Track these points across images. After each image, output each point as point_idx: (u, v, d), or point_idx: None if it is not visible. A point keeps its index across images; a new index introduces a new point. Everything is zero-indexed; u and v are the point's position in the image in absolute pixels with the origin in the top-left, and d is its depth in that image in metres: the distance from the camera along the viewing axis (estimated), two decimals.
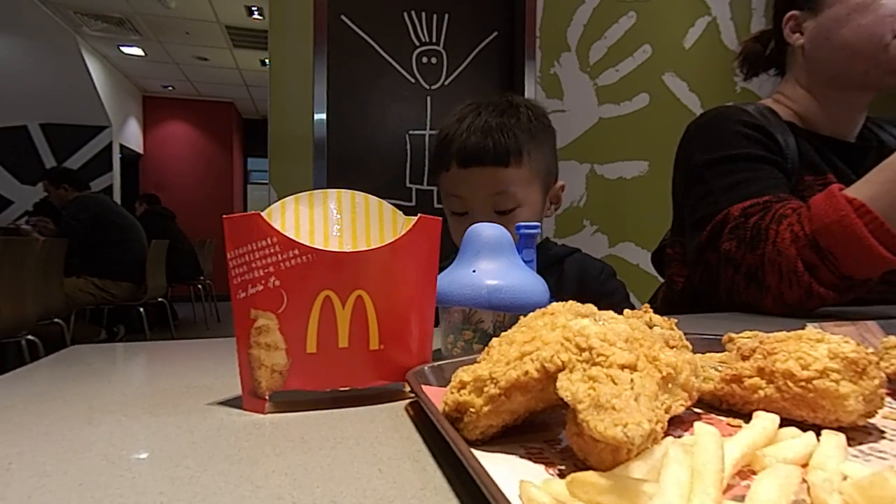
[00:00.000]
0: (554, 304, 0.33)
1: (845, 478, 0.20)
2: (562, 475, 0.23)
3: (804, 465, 0.23)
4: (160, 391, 0.40)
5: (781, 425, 0.26)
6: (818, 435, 0.25)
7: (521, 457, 0.26)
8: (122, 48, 5.80)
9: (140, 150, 7.15)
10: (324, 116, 2.24)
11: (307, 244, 0.35)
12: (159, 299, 4.02)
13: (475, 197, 0.83)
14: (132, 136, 6.82)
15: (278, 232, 0.35)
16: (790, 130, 0.94)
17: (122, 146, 6.26)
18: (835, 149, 0.96)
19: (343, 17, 2.33)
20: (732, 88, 2.64)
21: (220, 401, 0.37)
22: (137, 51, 5.90)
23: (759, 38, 1.07)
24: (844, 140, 0.98)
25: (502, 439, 0.28)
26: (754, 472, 0.23)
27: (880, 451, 0.27)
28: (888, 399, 0.33)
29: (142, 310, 3.70)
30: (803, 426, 0.27)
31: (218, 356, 0.53)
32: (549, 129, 0.89)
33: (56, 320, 2.82)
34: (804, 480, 0.21)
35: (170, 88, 7.24)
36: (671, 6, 2.57)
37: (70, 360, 0.52)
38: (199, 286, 5.26)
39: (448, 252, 0.55)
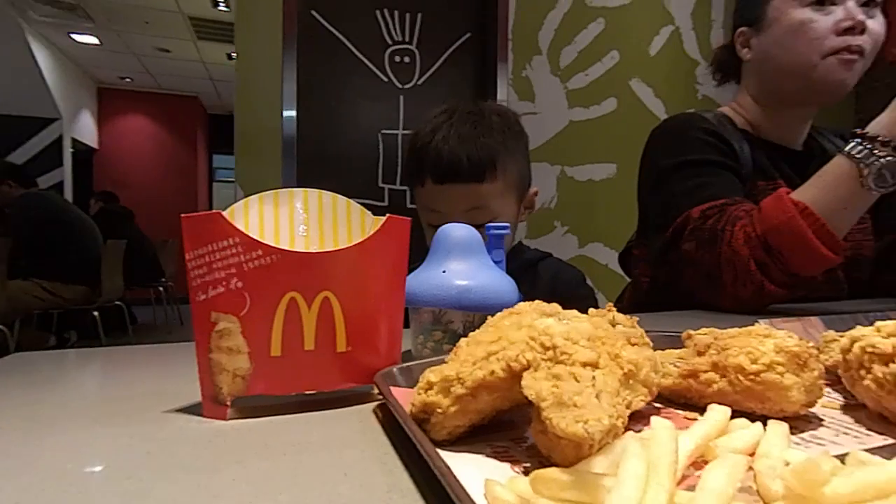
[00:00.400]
0: (520, 303, 0.33)
1: (788, 464, 0.22)
2: (527, 473, 0.24)
3: (752, 454, 0.24)
4: (113, 399, 0.38)
5: (733, 417, 0.27)
6: (765, 425, 0.26)
7: (488, 456, 0.26)
8: (73, 36, 5.51)
9: (95, 144, 6.84)
10: (293, 113, 2.20)
11: (272, 244, 0.35)
12: (116, 302, 3.85)
13: (452, 212, 0.83)
14: (86, 129, 6.52)
15: (241, 232, 0.34)
16: (744, 138, 0.99)
17: (74, 140, 5.97)
18: (783, 156, 1.01)
19: (313, 13, 2.29)
20: (694, 95, 2.73)
21: (179, 408, 0.36)
22: (91, 39, 5.62)
23: (725, 48, 1.12)
24: (792, 148, 1.03)
25: (469, 439, 0.28)
26: (707, 463, 0.24)
27: (819, 439, 0.28)
28: (827, 389, 0.36)
29: (96, 314, 3.54)
30: (752, 417, 0.28)
31: (177, 361, 0.51)
32: (521, 135, 0.90)
33: None
34: (751, 468, 0.22)
35: (128, 80, 6.94)
36: (637, 14, 2.63)
37: (13, 368, 0.48)
38: (161, 288, 5.07)
39: (418, 255, 0.55)
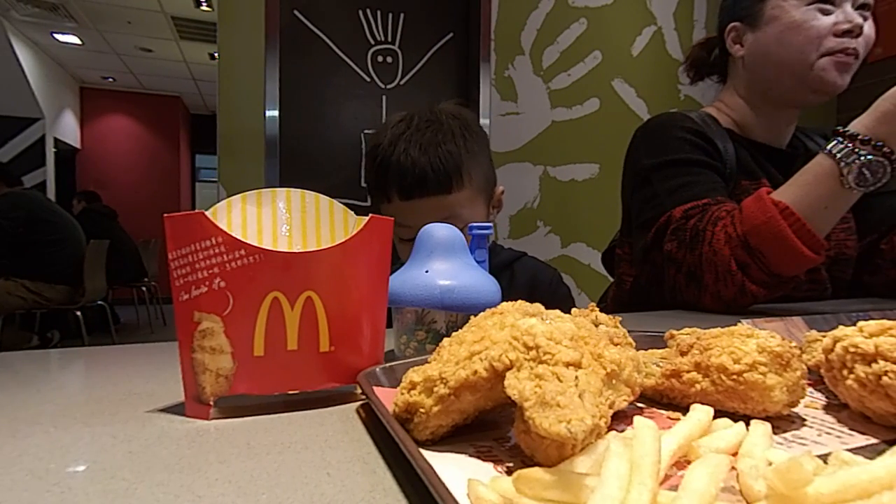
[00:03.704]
0: (503, 303, 0.33)
1: (770, 464, 0.22)
2: (510, 472, 0.24)
3: (735, 454, 0.24)
4: (96, 399, 0.38)
5: (715, 417, 0.28)
6: (748, 425, 0.26)
7: (471, 455, 0.26)
8: (55, 35, 5.43)
9: (77, 144, 6.73)
10: (276, 113, 2.18)
11: (254, 244, 0.34)
12: (99, 302, 3.80)
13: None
14: (68, 129, 6.41)
15: (224, 232, 0.34)
16: (728, 137, 1.00)
17: (56, 140, 5.87)
18: (768, 155, 1.02)
19: (296, 13, 2.28)
20: (677, 95, 2.76)
21: (162, 408, 0.36)
22: (73, 39, 5.54)
23: (704, 45, 1.13)
24: (776, 147, 1.04)
25: (452, 439, 0.28)
26: (690, 462, 0.24)
27: (801, 438, 0.29)
28: (809, 389, 0.36)
29: (79, 314, 3.49)
30: (735, 417, 0.28)
31: (160, 361, 0.50)
32: (481, 135, 0.88)
33: None
34: (734, 468, 0.22)
35: (110, 80, 6.84)
36: (619, 14, 2.66)
37: None
38: (144, 288, 5.01)
39: (396, 261, 0.55)
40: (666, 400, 0.34)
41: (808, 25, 0.91)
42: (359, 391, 0.38)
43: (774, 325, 0.45)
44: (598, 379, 0.26)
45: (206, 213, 0.35)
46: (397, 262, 0.47)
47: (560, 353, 0.25)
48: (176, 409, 0.35)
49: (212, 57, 5.83)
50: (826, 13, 0.91)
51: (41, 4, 4.72)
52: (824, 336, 0.35)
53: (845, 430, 0.30)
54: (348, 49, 2.36)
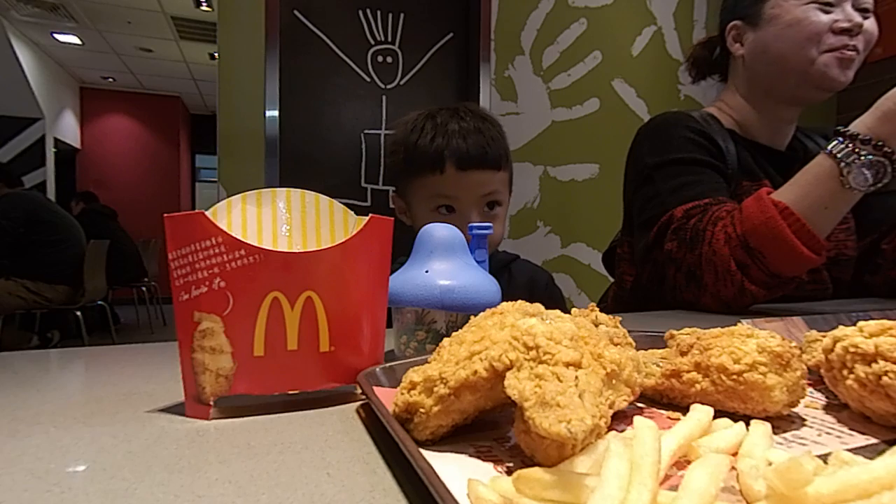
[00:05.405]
0: (503, 303, 0.33)
1: (770, 464, 0.22)
2: (510, 472, 0.24)
3: (735, 454, 0.24)
4: (96, 399, 0.38)
5: (715, 417, 0.27)
6: (748, 425, 0.26)
7: (471, 455, 0.26)
8: (55, 35, 5.44)
9: (77, 144, 6.73)
10: (276, 113, 2.18)
11: (254, 244, 0.34)
12: (99, 302, 3.80)
13: (469, 198, 0.86)
14: (68, 129, 6.41)
15: (224, 231, 0.34)
16: (730, 137, 1.00)
17: (56, 140, 5.88)
18: (768, 156, 1.02)
19: (296, 13, 2.28)
20: (677, 95, 2.76)
21: (162, 408, 0.36)
22: (73, 39, 5.54)
23: (705, 45, 1.13)
24: (776, 148, 1.04)
25: (452, 439, 0.28)
26: (690, 462, 0.24)
27: (801, 438, 0.29)
28: (809, 389, 0.36)
29: (79, 314, 3.49)
30: (735, 417, 0.28)
31: (160, 361, 0.50)
32: (505, 138, 0.94)
33: None
34: (734, 468, 0.22)
35: (110, 80, 6.84)
36: (620, 14, 2.65)
37: None
38: (144, 288, 5.02)
39: (401, 252, 0.55)
40: (666, 400, 0.34)
41: (809, 22, 0.91)
42: (359, 391, 0.38)
43: (774, 325, 0.45)
44: (598, 379, 0.26)
45: (206, 213, 0.35)
46: (397, 262, 0.47)
47: (560, 353, 0.25)
48: (176, 409, 0.35)
49: (212, 57, 5.83)
50: (826, 12, 0.91)
51: (41, 4, 4.72)
52: (824, 336, 0.35)
53: (845, 430, 0.30)
54: (348, 49, 2.36)
